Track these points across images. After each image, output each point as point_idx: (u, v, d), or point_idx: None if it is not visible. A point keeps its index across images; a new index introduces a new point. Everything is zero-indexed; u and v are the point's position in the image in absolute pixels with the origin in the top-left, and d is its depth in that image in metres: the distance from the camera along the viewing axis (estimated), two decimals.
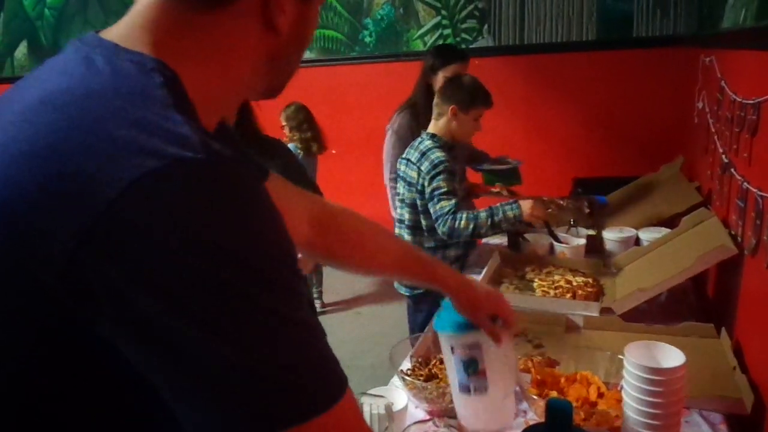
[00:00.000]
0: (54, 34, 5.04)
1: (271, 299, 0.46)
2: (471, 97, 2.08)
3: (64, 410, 0.50)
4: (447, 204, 1.97)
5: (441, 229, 1.98)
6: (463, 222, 1.95)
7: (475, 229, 1.96)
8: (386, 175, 2.64)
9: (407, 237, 2.16)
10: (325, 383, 0.49)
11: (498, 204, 2.05)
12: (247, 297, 0.45)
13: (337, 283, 4.19)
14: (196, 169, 0.45)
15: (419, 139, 2.15)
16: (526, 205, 2.00)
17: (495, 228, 2.02)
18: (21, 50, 5.21)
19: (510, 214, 1.98)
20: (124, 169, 0.44)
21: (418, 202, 2.09)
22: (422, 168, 2.04)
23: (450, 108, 2.07)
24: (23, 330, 0.48)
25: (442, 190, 1.98)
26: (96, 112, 0.47)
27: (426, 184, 2.02)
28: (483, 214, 1.97)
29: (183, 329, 0.43)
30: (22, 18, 5.11)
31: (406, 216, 2.15)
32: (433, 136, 2.11)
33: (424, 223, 2.10)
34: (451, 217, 1.95)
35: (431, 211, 2.01)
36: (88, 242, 0.43)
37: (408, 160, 2.14)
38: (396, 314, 3.62)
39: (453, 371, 1.03)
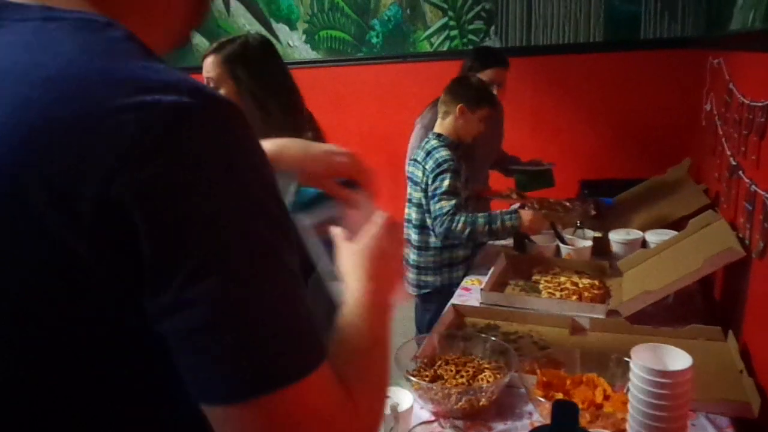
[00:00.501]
0: None
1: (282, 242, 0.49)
2: (478, 97, 2.09)
3: (74, 378, 0.49)
4: (446, 204, 1.97)
5: (438, 229, 1.98)
6: (460, 225, 1.95)
7: (471, 233, 1.96)
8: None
9: (414, 236, 2.16)
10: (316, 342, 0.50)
11: (498, 212, 2.05)
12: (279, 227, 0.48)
13: None
14: (213, 104, 0.46)
15: (425, 138, 2.16)
16: (525, 216, 2.01)
17: (492, 235, 2.02)
18: None
19: (508, 223, 1.99)
20: (142, 106, 0.43)
21: (424, 201, 2.09)
22: (426, 167, 2.04)
23: (458, 107, 2.07)
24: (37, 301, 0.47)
25: (443, 189, 1.98)
26: (82, 74, 0.46)
27: (429, 182, 2.02)
28: (481, 221, 1.97)
29: (223, 261, 0.44)
30: None
31: (413, 215, 2.15)
32: (439, 136, 2.11)
33: (429, 222, 2.10)
34: (448, 219, 1.96)
35: (431, 209, 2.01)
36: (122, 173, 0.42)
37: (414, 160, 2.14)
38: (400, 314, 3.62)
39: (317, 258, 0.81)
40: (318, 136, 1.35)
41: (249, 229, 0.46)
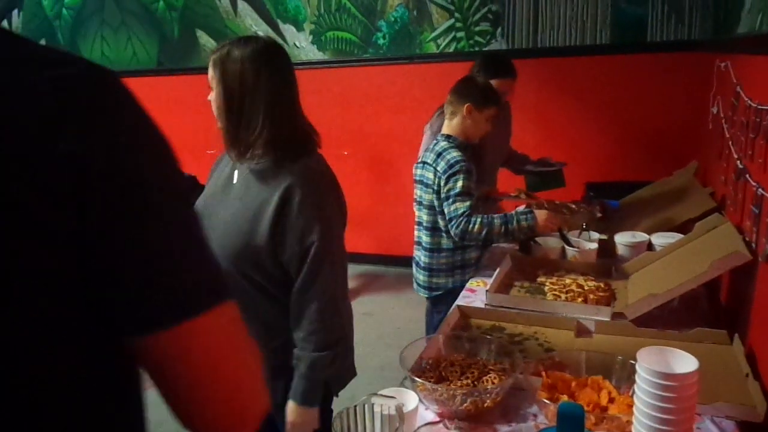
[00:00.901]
0: (71, 33, 5.10)
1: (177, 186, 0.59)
2: (485, 97, 2.10)
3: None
4: (462, 206, 1.97)
5: (454, 230, 1.98)
6: (477, 226, 1.95)
7: (488, 234, 1.97)
8: None
9: (426, 238, 2.15)
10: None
11: (513, 212, 2.05)
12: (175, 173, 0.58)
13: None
14: (110, 73, 0.55)
15: (435, 141, 2.16)
16: (541, 215, 2.01)
17: (508, 236, 2.02)
18: None
19: (524, 224, 1.99)
20: (54, 76, 0.50)
21: (435, 203, 2.09)
22: (438, 168, 2.04)
23: (465, 106, 2.07)
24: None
25: (458, 191, 1.98)
26: None
27: (442, 184, 2.02)
28: (497, 221, 1.97)
29: (155, 190, 0.54)
30: (41, 18, 5.17)
31: (424, 218, 2.15)
32: (448, 137, 2.11)
33: (441, 223, 2.10)
34: (465, 220, 1.96)
35: (446, 211, 2.01)
36: (59, 126, 0.49)
37: (424, 162, 2.14)
38: (406, 316, 3.63)
39: None
40: (309, 149, 1.36)
41: (169, 177, 0.57)
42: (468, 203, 1.97)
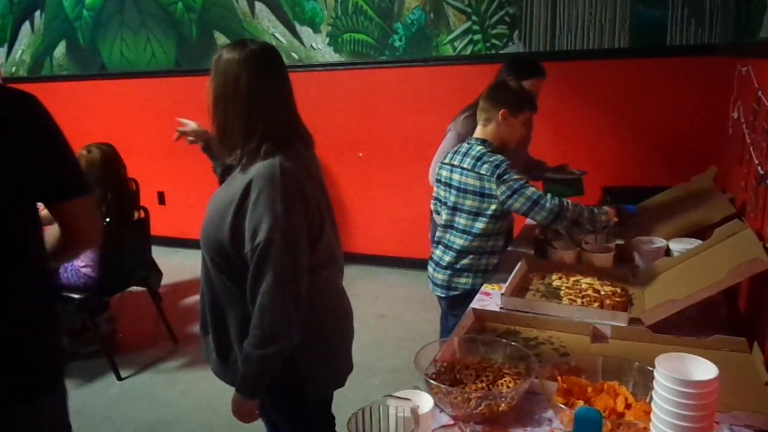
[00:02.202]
0: (91, 34, 5.16)
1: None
2: (520, 101, 2.09)
3: None
4: (530, 191, 1.97)
5: (544, 214, 1.95)
6: (571, 206, 1.96)
7: (579, 214, 1.97)
8: (434, 174, 2.52)
9: (457, 241, 2.13)
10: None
11: (592, 207, 2.06)
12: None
13: (360, 285, 4.21)
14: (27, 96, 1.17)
15: (466, 145, 2.13)
16: (611, 212, 2.05)
17: (590, 223, 2.01)
18: (60, 50, 5.35)
19: (604, 218, 2.02)
20: None
21: (484, 206, 2.05)
22: (482, 172, 2.02)
23: (500, 112, 2.06)
24: None
25: (521, 181, 1.98)
26: None
27: (494, 186, 2.00)
28: (587, 210, 1.99)
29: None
30: (62, 18, 5.25)
31: (462, 222, 2.11)
32: (483, 141, 2.09)
33: (481, 227, 2.07)
34: (548, 199, 1.95)
35: (519, 203, 1.97)
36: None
37: (454, 166, 2.11)
38: (419, 318, 3.62)
39: None
40: (285, 147, 1.39)
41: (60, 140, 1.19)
42: (533, 188, 1.98)
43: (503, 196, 1.99)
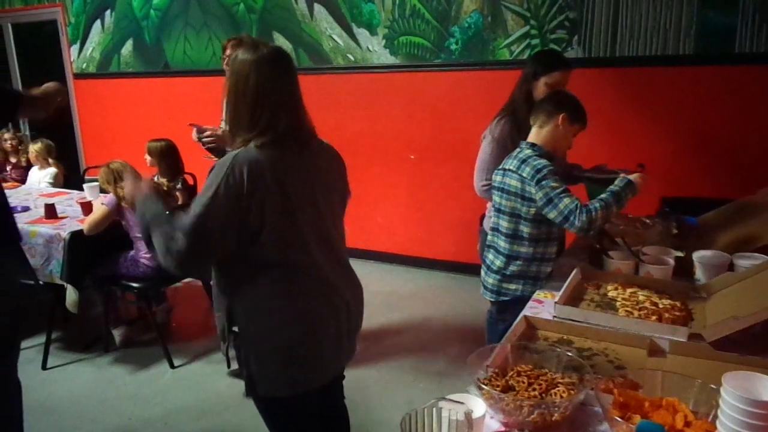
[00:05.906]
0: (157, 33, 5.36)
1: None
2: (578, 111, 2.08)
3: None
4: (569, 200, 1.93)
5: (577, 225, 1.93)
6: (598, 212, 1.92)
7: (608, 215, 1.96)
8: (478, 183, 2.50)
9: (503, 245, 2.13)
10: None
11: (613, 186, 2.01)
12: None
13: (406, 290, 4.22)
14: None
15: (518, 149, 2.13)
16: (637, 179, 2.02)
17: (620, 208, 1.99)
18: (127, 48, 5.58)
19: (630, 195, 2.00)
20: None
21: (523, 209, 2.05)
22: (524, 174, 2.00)
23: (561, 116, 2.04)
24: None
25: (560, 188, 1.95)
26: None
27: (534, 190, 1.98)
28: (609, 198, 1.96)
29: None
30: (130, 18, 5.47)
31: (504, 225, 2.12)
32: (533, 146, 2.08)
33: (525, 231, 2.07)
34: (582, 211, 1.92)
35: (553, 213, 1.95)
36: None
37: (506, 170, 2.11)
38: (467, 322, 3.60)
39: None
40: (261, 141, 1.50)
41: None
42: (573, 196, 1.95)
43: (540, 203, 1.98)
